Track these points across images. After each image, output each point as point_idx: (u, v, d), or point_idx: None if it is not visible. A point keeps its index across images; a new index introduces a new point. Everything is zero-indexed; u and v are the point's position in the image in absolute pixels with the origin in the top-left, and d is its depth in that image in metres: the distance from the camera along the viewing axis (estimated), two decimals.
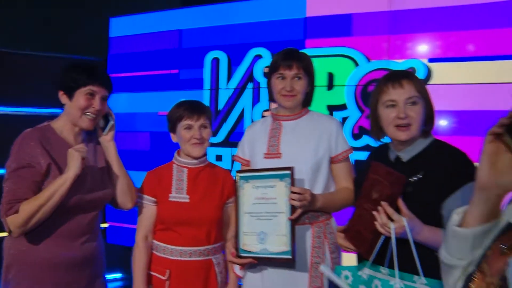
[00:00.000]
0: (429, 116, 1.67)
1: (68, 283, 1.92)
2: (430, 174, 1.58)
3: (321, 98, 3.25)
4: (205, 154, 2.16)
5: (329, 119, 2.08)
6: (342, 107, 3.26)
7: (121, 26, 4.18)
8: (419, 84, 1.67)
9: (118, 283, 4.09)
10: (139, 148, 4.05)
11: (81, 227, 1.95)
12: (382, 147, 1.81)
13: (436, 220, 1.53)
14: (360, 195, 1.67)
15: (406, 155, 1.68)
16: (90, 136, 2.10)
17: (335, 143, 1.99)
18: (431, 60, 2.99)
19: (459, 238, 1.00)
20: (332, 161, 2.00)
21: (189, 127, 2.07)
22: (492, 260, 0.89)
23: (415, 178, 1.60)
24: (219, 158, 3.66)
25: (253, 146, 2.08)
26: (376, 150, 1.87)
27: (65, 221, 1.90)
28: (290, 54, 2.00)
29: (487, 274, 0.88)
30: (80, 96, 1.93)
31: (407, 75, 1.69)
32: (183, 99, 2.20)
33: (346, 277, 1.62)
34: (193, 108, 2.09)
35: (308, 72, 2.01)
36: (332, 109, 3.28)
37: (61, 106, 2.01)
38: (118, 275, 4.15)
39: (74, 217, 1.92)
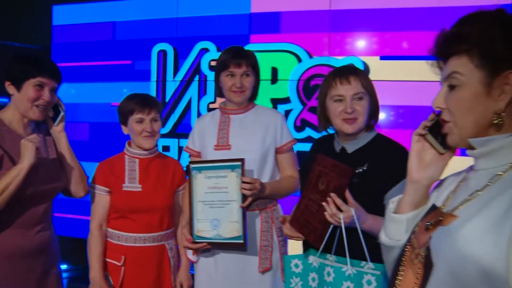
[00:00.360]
0: (374, 111, 1.76)
1: (23, 272, 1.95)
2: (374, 167, 1.67)
3: (265, 91, 3.40)
4: (155, 145, 2.25)
5: (274, 112, 2.23)
6: (286, 100, 3.42)
7: (64, 15, 4.11)
8: (366, 80, 1.74)
9: (64, 274, 4.07)
10: (78, 139, 4.02)
11: (35, 216, 1.98)
12: (327, 138, 1.89)
13: (379, 210, 1.59)
14: (305, 186, 1.75)
15: (351, 147, 1.76)
16: (39, 127, 2.11)
17: (280, 134, 2.15)
18: (382, 58, 3.21)
19: (396, 222, 1.17)
20: (277, 151, 2.15)
21: (140, 121, 2.15)
22: (419, 235, 1.07)
23: (360, 170, 1.69)
24: (166, 148, 3.73)
25: (203, 138, 2.19)
26: (320, 140, 1.96)
27: (20, 211, 1.93)
28: (239, 53, 2.12)
29: (416, 246, 1.05)
30: (29, 88, 1.93)
31: (354, 71, 1.75)
32: (134, 93, 2.27)
33: (296, 266, 1.67)
34: (144, 102, 2.16)
35: (255, 69, 2.15)
36: (276, 102, 3.44)
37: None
38: (63, 266, 4.13)
39: (29, 207, 1.95)
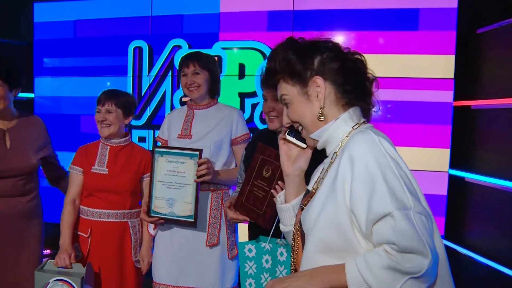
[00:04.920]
0: None
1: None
2: (312, 158, 1.86)
3: (234, 86, 3.66)
4: (127, 135, 2.54)
5: (232, 109, 2.52)
6: (253, 94, 3.68)
7: (45, 12, 4.29)
8: None
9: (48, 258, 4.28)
10: (62, 129, 4.22)
11: (11, 188, 2.37)
12: (270, 131, 2.04)
13: None
14: (249, 173, 1.91)
15: None
16: (26, 115, 2.51)
17: (236, 128, 2.43)
18: None
19: (285, 211, 1.45)
20: (232, 142, 2.44)
21: (98, 111, 2.47)
22: (298, 214, 1.36)
23: None
24: (141, 139, 3.96)
25: (170, 129, 2.49)
26: (264, 133, 2.14)
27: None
28: (189, 55, 2.44)
29: (296, 223, 1.35)
30: None
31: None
32: (110, 88, 2.57)
33: (250, 250, 1.79)
34: (104, 96, 2.48)
35: (207, 68, 2.42)
36: (243, 96, 3.69)
37: None
38: (46, 251, 4.34)
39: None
